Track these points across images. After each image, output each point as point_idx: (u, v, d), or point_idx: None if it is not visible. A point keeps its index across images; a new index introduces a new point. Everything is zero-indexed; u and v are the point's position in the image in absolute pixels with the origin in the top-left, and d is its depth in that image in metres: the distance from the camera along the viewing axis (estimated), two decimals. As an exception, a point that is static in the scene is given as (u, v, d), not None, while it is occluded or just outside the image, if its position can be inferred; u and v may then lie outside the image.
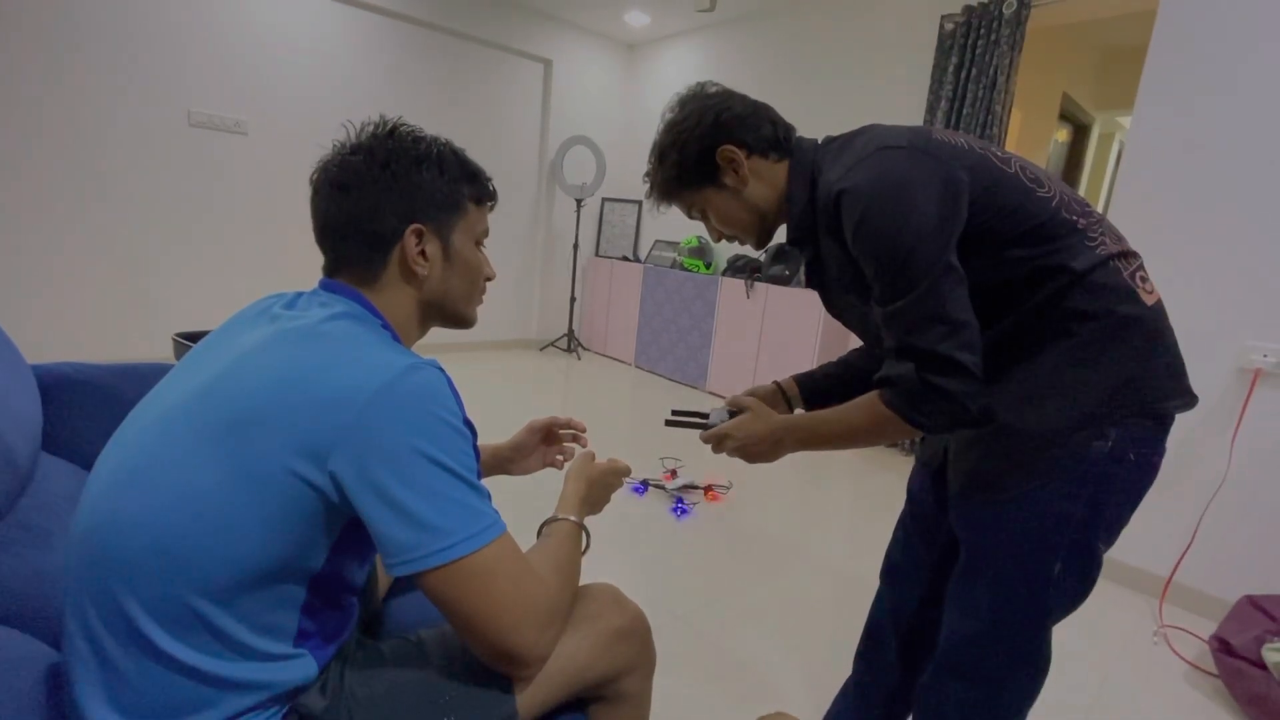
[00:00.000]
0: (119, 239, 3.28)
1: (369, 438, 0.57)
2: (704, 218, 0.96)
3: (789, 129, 0.91)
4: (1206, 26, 1.85)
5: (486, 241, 0.81)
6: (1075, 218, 0.78)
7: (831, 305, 0.97)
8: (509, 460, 1.04)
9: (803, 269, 0.98)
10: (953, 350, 0.72)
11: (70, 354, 3.16)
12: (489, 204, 0.80)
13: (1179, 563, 1.93)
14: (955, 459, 0.90)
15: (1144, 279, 0.79)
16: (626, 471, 0.95)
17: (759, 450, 0.91)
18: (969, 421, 0.76)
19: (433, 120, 4.25)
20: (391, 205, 0.69)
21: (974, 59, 2.94)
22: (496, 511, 0.63)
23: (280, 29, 3.57)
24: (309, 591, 0.63)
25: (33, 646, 0.66)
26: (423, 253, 0.71)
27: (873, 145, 0.79)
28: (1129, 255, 0.79)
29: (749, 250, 4.11)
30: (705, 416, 1.00)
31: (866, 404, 0.81)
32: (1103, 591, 2.03)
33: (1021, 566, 0.82)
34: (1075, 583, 0.82)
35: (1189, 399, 0.77)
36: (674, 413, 1.02)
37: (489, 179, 0.79)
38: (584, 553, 0.78)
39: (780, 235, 0.94)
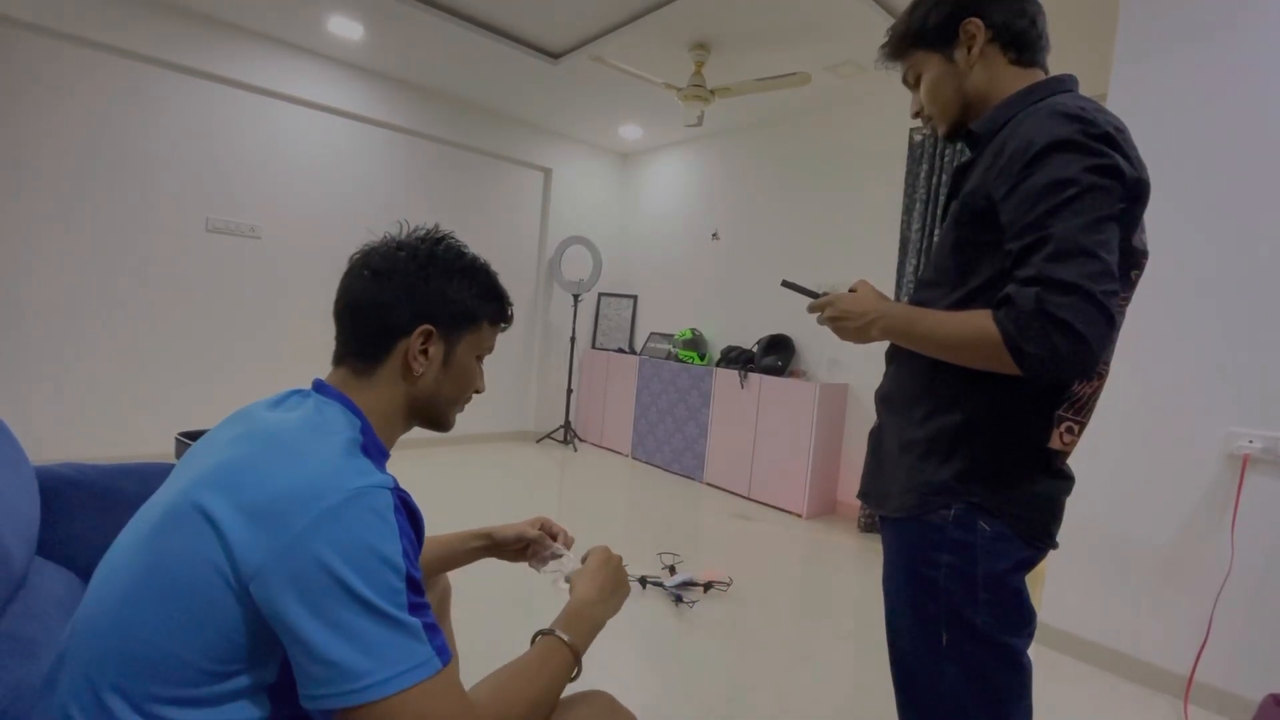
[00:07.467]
0: (129, 337, 3.36)
1: (292, 563, 0.55)
2: (915, 85, 0.95)
3: (1044, 45, 0.88)
4: (1164, 132, 2.00)
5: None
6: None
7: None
8: (502, 546, 1.03)
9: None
10: (1092, 285, 0.67)
11: (74, 451, 3.15)
12: (503, 326, 0.85)
13: (1198, 660, 1.86)
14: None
15: (1069, 429, 0.82)
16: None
17: (851, 325, 0.90)
18: (1077, 367, 0.68)
19: (439, 222, 4.47)
20: (412, 302, 0.73)
21: (942, 165, 3.18)
22: (438, 646, 0.58)
23: (296, 142, 3.85)
24: (273, 702, 0.61)
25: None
26: (425, 351, 0.74)
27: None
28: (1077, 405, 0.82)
29: (742, 342, 4.22)
30: (817, 293, 1.00)
31: (974, 316, 0.77)
32: (1126, 692, 1.94)
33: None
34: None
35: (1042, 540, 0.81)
36: (785, 282, 1.07)
37: (510, 304, 0.85)
38: (572, 680, 0.72)
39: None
